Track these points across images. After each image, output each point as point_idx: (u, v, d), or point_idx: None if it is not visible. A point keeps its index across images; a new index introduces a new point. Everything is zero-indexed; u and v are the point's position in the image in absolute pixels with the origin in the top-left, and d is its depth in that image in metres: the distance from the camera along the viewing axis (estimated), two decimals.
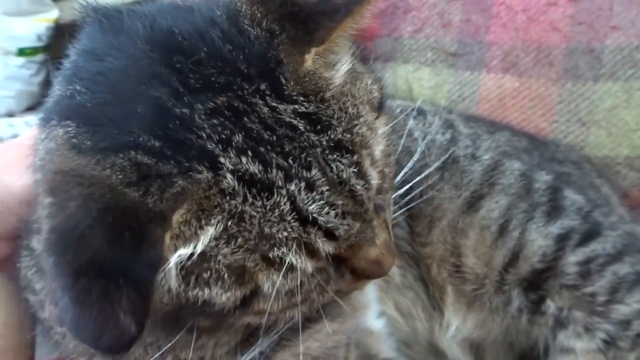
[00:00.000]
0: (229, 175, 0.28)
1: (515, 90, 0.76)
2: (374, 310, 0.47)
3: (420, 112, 0.57)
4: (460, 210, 0.49)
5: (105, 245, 0.26)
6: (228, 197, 0.28)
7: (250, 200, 0.28)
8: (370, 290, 0.47)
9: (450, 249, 0.48)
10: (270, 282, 0.30)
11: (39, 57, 1.02)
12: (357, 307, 0.45)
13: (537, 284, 0.46)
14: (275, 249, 0.29)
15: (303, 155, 0.29)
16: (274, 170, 0.28)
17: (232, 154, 0.28)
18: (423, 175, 0.44)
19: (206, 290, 0.29)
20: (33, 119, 0.70)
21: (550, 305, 0.46)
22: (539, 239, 0.47)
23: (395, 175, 0.36)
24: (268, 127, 0.29)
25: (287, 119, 0.29)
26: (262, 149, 0.28)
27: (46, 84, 1.01)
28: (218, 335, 0.37)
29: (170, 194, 0.27)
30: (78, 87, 0.31)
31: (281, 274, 0.29)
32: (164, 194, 0.27)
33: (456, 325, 0.49)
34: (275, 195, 0.28)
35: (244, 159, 0.28)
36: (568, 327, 0.46)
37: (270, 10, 0.30)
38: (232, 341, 0.37)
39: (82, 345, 0.36)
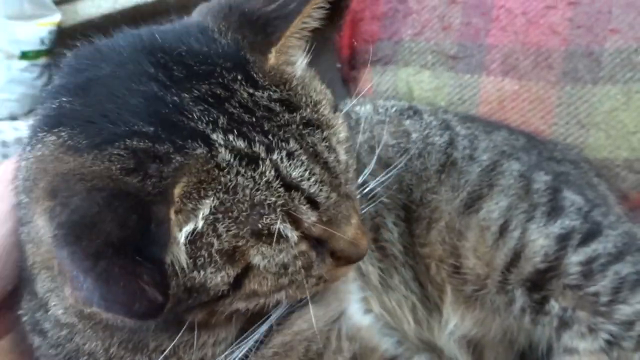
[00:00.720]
0: (222, 150, 0.31)
1: (515, 93, 0.76)
2: (358, 306, 0.47)
3: (416, 112, 0.58)
4: (458, 211, 0.49)
5: (117, 229, 0.27)
6: (223, 171, 0.31)
7: (242, 171, 0.31)
8: (352, 284, 0.47)
9: (449, 249, 0.49)
10: (260, 256, 0.32)
11: (42, 60, 1.02)
12: (339, 293, 0.46)
13: (540, 284, 0.46)
14: (265, 217, 0.31)
15: (281, 132, 0.32)
16: (257, 145, 0.32)
17: (220, 133, 0.31)
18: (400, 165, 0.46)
19: (202, 273, 0.31)
20: None
21: (555, 306, 0.46)
22: (540, 239, 0.47)
23: (359, 174, 0.39)
24: (248, 110, 0.32)
25: (264, 103, 0.33)
26: (244, 129, 0.32)
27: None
28: (216, 332, 0.38)
29: (169, 170, 0.29)
30: (65, 99, 0.34)
31: (270, 246, 0.31)
32: (162, 172, 0.29)
33: (454, 323, 0.49)
34: (261, 166, 0.31)
35: (230, 137, 0.31)
36: (572, 328, 0.46)
37: (230, 22, 0.35)
38: (229, 337, 0.39)
39: None
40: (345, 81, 0.90)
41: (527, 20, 0.77)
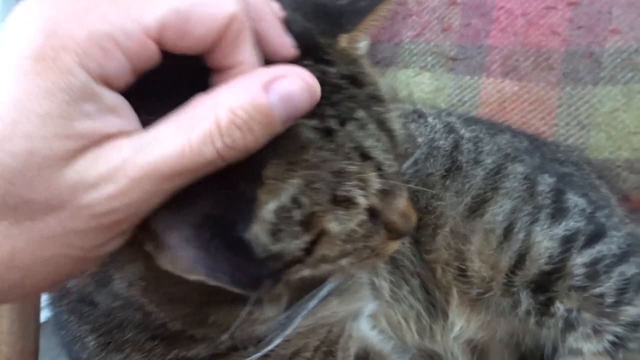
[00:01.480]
0: (303, 129, 0.30)
1: (515, 94, 0.77)
2: (367, 322, 0.47)
3: (421, 115, 0.58)
4: (463, 216, 0.49)
5: (212, 205, 0.28)
6: (306, 148, 0.30)
7: (323, 145, 0.31)
8: (365, 291, 0.47)
9: (454, 254, 0.49)
10: (335, 222, 0.32)
11: None
12: (355, 294, 0.46)
13: (545, 286, 0.46)
14: (343, 184, 0.31)
15: (349, 104, 0.32)
16: (331, 120, 0.31)
17: None
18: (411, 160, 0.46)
19: (280, 244, 0.31)
20: None
21: (560, 307, 0.46)
22: (544, 241, 0.47)
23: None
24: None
25: (333, 80, 0.33)
26: (316, 108, 0.31)
27: None
28: (266, 309, 0.39)
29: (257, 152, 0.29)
30: None
31: (345, 211, 0.32)
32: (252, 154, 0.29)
33: (460, 327, 0.49)
34: (339, 138, 0.31)
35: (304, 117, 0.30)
36: (578, 329, 0.46)
37: (304, 13, 0.35)
38: (278, 313, 0.40)
39: None
40: None
41: (527, 21, 0.77)
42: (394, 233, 0.37)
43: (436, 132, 0.54)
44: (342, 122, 0.32)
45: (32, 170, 0.23)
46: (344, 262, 0.35)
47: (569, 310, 0.46)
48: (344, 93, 0.33)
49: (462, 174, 0.51)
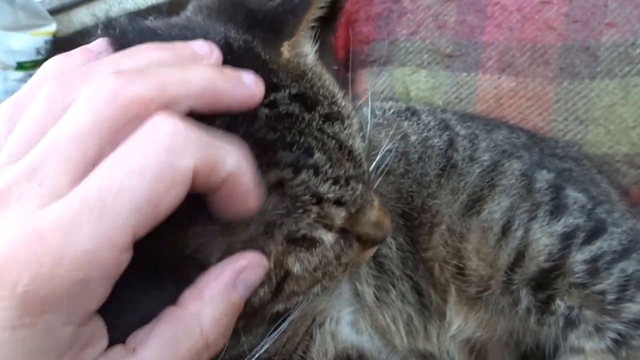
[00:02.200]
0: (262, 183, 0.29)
1: (512, 90, 0.76)
2: (349, 327, 0.46)
3: (414, 113, 0.57)
4: (459, 214, 0.48)
5: None
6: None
7: (278, 199, 0.30)
8: (346, 293, 0.47)
9: (452, 251, 0.48)
10: (298, 263, 0.32)
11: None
12: (337, 294, 0.46)
13: (545, 284, 0.46)
14: (300, 230, 0.31)
15: (305, 141, 0.31)
16: (285, 171, 0.31)
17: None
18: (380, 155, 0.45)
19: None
20: None
21: (560, 305, 0.45)
22: (543, 238, 0.46)
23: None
24: (270, 127, 0.31)
25: (284, 109, 0.31)
26: (271, 154, 0.30)
27: None
28: (254, 331, 0.39)
29: None
30: None
31: (307, 251, 0.32)
32: None
33: (457, 326, 0.49)
34: (292, 189, 0.31)
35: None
36: (579, 327, 0.45)
37: (238, 25, 0.34)
38: (262, 330, 0.39)
39: None
40: (341, 83, 0.90)
41: (522, 16, 0.77)
42: (368, 243, 0.36)
43: (430, 130, 0.54)
44: (296, 170, 0.30)
45: None
46: (317, 288, 0.35)
47: (570, 308, 0.45)
48: (297, 126, 0.31)
49: (458, 171, 0.50)
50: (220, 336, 0.28)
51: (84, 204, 0.23)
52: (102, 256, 0.23)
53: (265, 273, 0.30)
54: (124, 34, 0.33)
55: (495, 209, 0.48)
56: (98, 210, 0.23)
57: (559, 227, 0.46)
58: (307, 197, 0.31)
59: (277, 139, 0.30)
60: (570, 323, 0.46)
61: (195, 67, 0.28)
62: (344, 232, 0.34)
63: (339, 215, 0.32)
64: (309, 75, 0.34)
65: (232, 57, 0.31)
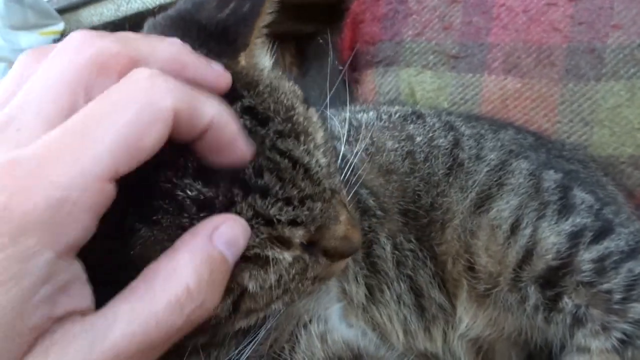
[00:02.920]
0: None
1: (518, 92, 0.76)
2: (340, 319, 0.46)
3: (419, 116, 0.57)
4: (469, 211, 0.48)
5: None
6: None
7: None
8: (334, 292, 0.47)
9: (464, 246, 0.48)
10: (254, 280, 0.31)
11: None
12: (324, 292, 0.45)
13: (553, 281, 0.46)
14: (254, 249, 0.30)
15: (255, 162, 0.30)
16: (234, 191, 0.30)
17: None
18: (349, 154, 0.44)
19: None
20: None
21: (568, 303, 0.45)
22: (551, 237, 0.46)
23: (337, 159, 0.38)
24: None
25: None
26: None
27: None
28: (218, 349, 0.38)
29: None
30: None
31: (262, 269, 0.31)
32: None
33: (466, 323, 0.49)
34: (240, 211, 0.30)
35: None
36: (586, 326, 0.45)
37: (192, 39, 0.33)
38: (233, 343, 0.38)
39: None
40: (347, 84, 0.90)
41: (528, 18, 0.77)
42: (336, 257, 0.36)
43: (435, 131, 0.54)
44: (245, 192, 0.29)
45: None
46: (276, 305, 0.34)
47: (577, 306, 0.46)
48: (260, 147, 0.30)
49: (465, 170, 0.50)
50: (203, 288, 0.26)
51: (66, 134, 0.23)
52: (82, 181, 0.23)
53: (246, 234, 0.29)
54: None
55: (504, 207, 0.48)
56: (80, 139, 0.23)
57: (567, 226, 0.47)
58: (256, 220, 0.30)
59: None
60: (577, 321, 0.46)
61: (166, 43, 0.29)
62: (309, 247, 0.33)
63: (296, 234, 0.31)
64: (261, 88, 0.33)
65: None
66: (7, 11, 0.96)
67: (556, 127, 0.74)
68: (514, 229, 0.47)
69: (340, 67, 0.90)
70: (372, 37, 0.86)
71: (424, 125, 0.55)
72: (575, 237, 0.46)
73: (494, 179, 0.49)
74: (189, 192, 0.28)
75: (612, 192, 0.60)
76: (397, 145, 0.52)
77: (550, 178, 0.50)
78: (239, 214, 0.29)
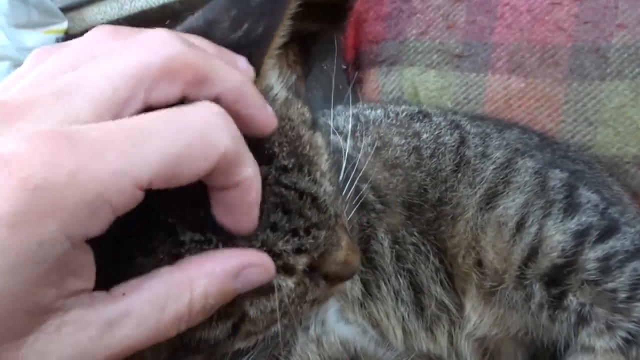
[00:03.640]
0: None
1: (521, 91, 0.76)
2: (336, 316, 0.46)
3: (426, 115, 0.58)
4: (479, 206, 0.49)
5: None
6: None
7: None
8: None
9: (475, 240, 0.48)
10: (255, 306, 0.31)
11: None
12: None
13: (558, 279, 0.46)
14: None
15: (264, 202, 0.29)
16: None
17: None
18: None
19: (201, 331, 0.30)
20: None
21: (573, 301, 0.45)
22: (557, 235, 0.46)
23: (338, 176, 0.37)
24: None
25: None
26: None
27: None
28: None
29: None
30: None
31: (264, 296, 0.31)
32: None
33: (474, 322, 0.49)
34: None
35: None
36: (590, 325, 0.45)
37: None
38: None
39: None
40: (351, 82, 0.90)
41: (532, 17, 0.77)
42: (335, 280, 0.36)
43: (441, 129, 0.54)
44: (253, 236, 0.29)
45: None
46: (275, 328, 0.34)
47: (582, 304, 0.46)
48: (263, 184, 0.28)
49: (472, 167, 0.50)
50: (200, 313, 0.27)
51: (121, 130, 0.23)
52: (122, 183, 0.22)
53: (268, 281, 0.29)
54: None
55: (510, 205, 0.48)
56: (135, 140, 0.23)
57: (572, 224, 0.47)
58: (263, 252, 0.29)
59: None
60: (582, 320, 0.46)
61: (236, 69, 0.29)
62: (309, 271, 0.34)
63: (300, 262, 0.32)
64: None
65: None
66: (11, 10, 0.96)
67: (560, 126, 0.74)
68: (520, 226, 0.48)
69: (344, 66, 0.90)
70: (376, 36, 0.86)
71: (431, 124, 0.56)
72: (580, 236, 0.46)
73: (500, 177, 0.50)
74: (190, 236, 0.28)
75: (618, 192, 0.60)
76: (403, 141, 0.52)
77: (556, 177, 0.50)
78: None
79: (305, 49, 1.05)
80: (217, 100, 0.27)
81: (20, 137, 0.22)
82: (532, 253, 0.47)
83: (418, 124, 0.55)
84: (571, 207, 0.48)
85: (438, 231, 0.49)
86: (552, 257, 0.46)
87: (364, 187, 0.48)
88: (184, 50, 0.26)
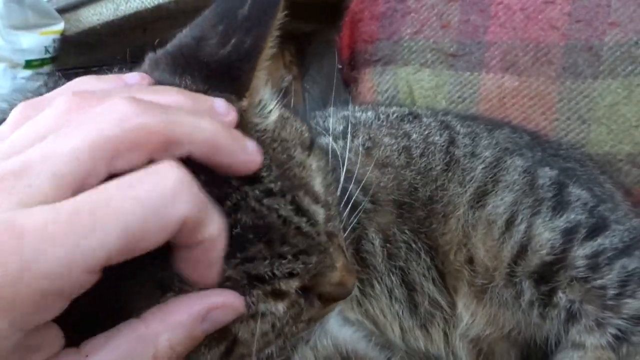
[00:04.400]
0: None
1: (515, 90, 0.77)
2: (336, 316, 0.46)
3: (416, 116, 0.58)
4: (469, 205, 0.49)
5: None
6: None
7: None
8: None
9: (466, 237, 0.49)
10: (247, 330, 0.31)
11: (46, 68, 1.03)
12: None
13: (547, 276, 0.46)
14: (249, 303, 0.30)
15: (245, 220, 0.29)
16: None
17: None
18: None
19: (194, 356, 0.30)
20: None
21: (562, 298, 0.46)
22: (545, 233, 0.47)
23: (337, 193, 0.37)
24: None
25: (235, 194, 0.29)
26: None
27: None
28: None
29: None
30: None
31: (253, 321, 0.31)
32: None
33: (466, 321, 0.49)
34: (232, 272, 0.29)
35: None
36: (580, 322, 0.46)
37: (194, 76, 0.32)
38: None
39: None
40: (346, 82, 0.91)
41: (525, 16, 0.78)
42: (330, 300, 0.36)
43: (431, 129, 0.55)
44: (232, 255, 0.28)
45: None
46: (269, 349, 0.34)
47: (572, 301, 0.46)
48: (244, 203, 0.29)
49: (461, 167, 0.51)
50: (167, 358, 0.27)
51: (74, 215, 0.22)
52: (72, 273, 0.22)
53: (236, 317, 0.29)
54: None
55: (499, 203, 0.49)
56: (87, 226, 0.22)
57: (561, 222, 0.47)
58: (248, 279, 0.29)
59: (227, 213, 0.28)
60: (572, 317, 0.46)
61: (208, 119, 0.28)
62: (304, 292, 0.33)
63: (292, 286, 0.31)
64: (259, 139, 0.31)
65: None
66: (7, 11, 0.96)
67: (554, 124, 0.75)
68: (509, 224, 0.48)
69: (339, 66, 0.90)
70: (371, 36, 0.86)
71: (420, 124, 0.56)
72: (569, 233, 0.47)
73: (490, 176, 0.50)
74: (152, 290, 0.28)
75: (610, 189, 0.60)
76: (393, 141, 0.53)
77: (546, 175, 0.51)
78: (228, 279, 0.29)
79: (301, 50, 1.05)
80: (189, 156, 0.27)
81: None
82: (522, 250, 0.47)
83: (408, 124, 0.56)
84: (560, 205, 0.48)
85: (429, 229, 0.50)
86: (541, 254, 0.47)
87: (354, 188, 0.48)
88: (146, 119, 0.25)
